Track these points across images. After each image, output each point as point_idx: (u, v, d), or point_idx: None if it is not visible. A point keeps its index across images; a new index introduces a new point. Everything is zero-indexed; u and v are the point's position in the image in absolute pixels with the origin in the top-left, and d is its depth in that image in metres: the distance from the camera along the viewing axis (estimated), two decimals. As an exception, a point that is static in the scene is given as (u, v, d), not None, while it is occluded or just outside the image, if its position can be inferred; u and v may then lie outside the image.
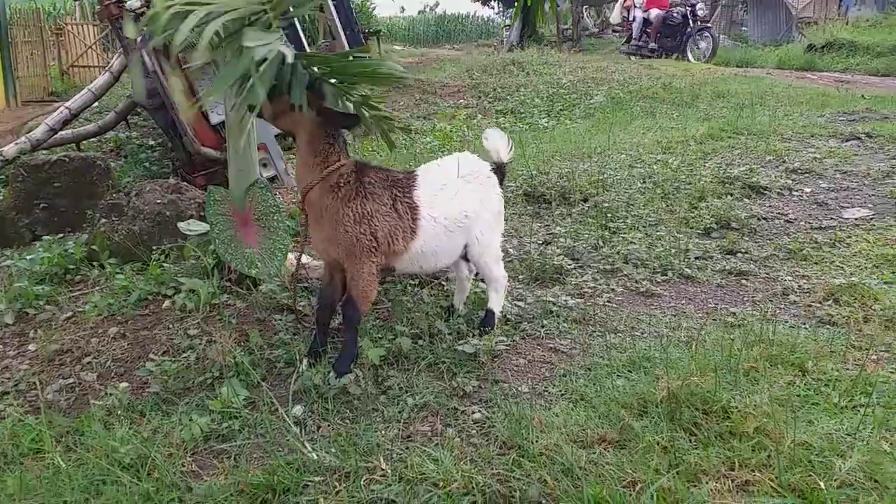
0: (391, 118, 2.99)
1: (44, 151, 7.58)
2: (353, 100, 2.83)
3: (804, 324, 3.54)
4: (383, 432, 2.63)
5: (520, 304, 3.78)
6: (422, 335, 3.32)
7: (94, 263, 4.47)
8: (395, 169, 3.41)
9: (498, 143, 3.41)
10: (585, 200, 5.60)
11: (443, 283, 4.07)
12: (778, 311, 3.72)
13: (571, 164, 6.33)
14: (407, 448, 2.52)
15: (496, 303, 3.44)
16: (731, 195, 5.50)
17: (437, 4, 44.35)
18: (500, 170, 3.43)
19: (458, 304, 3.67)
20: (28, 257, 4.53)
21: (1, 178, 6.95)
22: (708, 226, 4.96)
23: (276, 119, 2.93)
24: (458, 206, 3.18)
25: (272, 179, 6.47)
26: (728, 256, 4.53)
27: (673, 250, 4.49)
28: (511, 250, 4.63)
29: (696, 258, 4.48)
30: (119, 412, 2.82)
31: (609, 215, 5.17)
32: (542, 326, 3.56)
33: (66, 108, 8.14)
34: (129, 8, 6.49)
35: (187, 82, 6.69)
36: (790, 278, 4.15)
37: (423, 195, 3.11)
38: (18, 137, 8.17)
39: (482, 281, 3.55)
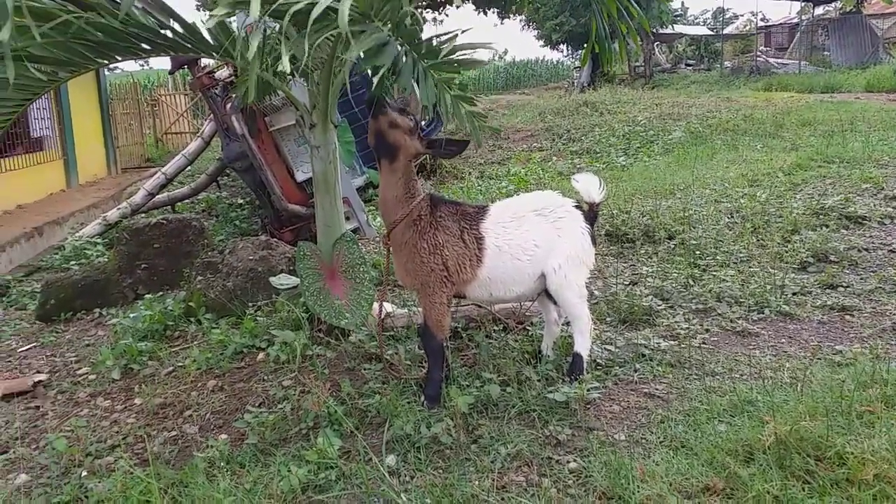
0: (484, 115, 3.07)
1: (142, 214, 8.07)
2: (453, 93, 2.91)
3: (921, 361, 3.31)
4: (477, 482, 2.59)
5: (609, 347, 3.69)
6: (510, 382, 3.28)
7: (192, 319, 4.69)
8: (469, 203, 3.55)
9: (588, 184, 3.44)
10: (671, 238, 5.47)
11: (528, 328, 4.03)
12: (889, 349, 3.49)
13: (653, 202, 6.21)
14: (502, 499, 2.47)
15: (582, 346, 3.36)
16: (827, 226, 5.26)
17: (506, 52, 45.10)
18: (591, 210, 3.46)
19: (546, 350, 3.62)
20: (131, 315, 4.79)
21: (105, 241, 7.43)
22: (804, 259, 4.74)
23: (389, 129, 3.11)
24: (526, 236, 3.28)
25: (354, 231, 6.65)
26: (828, 291, 4.31)
27: (768, 286, 4.31)
28: (596, 292, 4.55)
29: (794, 294, 4.28)
30: (220, 464, 2.90)
31: (697, 252, 5.03)
32: (635, 371, 3.46)
33: (163, 173, 8.69)
34: (218, 78, 6.92)
35: (273, 143, 7.03)
36: (900, 312, 3.91)
37: (490, 226, 3.28)
38: (120, 203, 8.75)
39: (569, 324, 3.50)
